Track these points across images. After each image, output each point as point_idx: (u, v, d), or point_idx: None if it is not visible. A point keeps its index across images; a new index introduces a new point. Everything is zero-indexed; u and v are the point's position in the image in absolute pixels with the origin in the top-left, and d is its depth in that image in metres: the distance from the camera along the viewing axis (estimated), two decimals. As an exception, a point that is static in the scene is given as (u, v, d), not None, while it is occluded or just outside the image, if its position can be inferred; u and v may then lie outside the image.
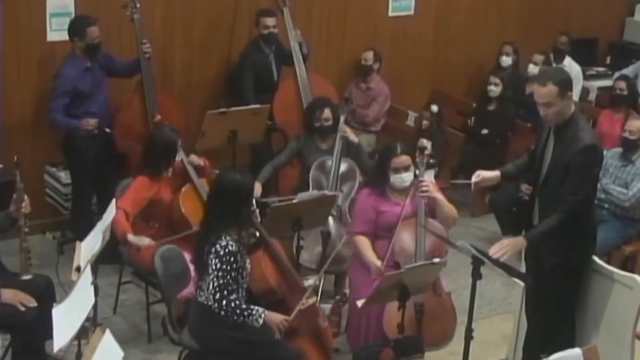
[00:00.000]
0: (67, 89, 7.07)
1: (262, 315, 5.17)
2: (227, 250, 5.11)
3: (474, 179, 5.74)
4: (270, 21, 8.01)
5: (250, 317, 5.15)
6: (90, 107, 7.19)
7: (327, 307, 6.33)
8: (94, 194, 7.48)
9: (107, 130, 7.24)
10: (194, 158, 6.64)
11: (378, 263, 5.66)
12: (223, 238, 5.14)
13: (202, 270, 5.23)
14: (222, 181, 5.36)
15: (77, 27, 7.17)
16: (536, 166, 5.57)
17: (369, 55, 8.82)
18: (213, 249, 5.13)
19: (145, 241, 6.09)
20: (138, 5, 7.29)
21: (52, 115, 7.11)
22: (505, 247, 5.38)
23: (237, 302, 5.14)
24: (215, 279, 5.13)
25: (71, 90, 7.08)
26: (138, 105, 7.43)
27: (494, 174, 5.76)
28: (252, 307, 5.18)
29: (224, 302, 5.12)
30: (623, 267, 6.75)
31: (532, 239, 5.42)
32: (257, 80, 8.04)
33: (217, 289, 5.12)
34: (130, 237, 6.06)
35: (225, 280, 5.12)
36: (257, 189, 6.86)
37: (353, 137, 7.25)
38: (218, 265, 5.11)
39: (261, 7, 8.17)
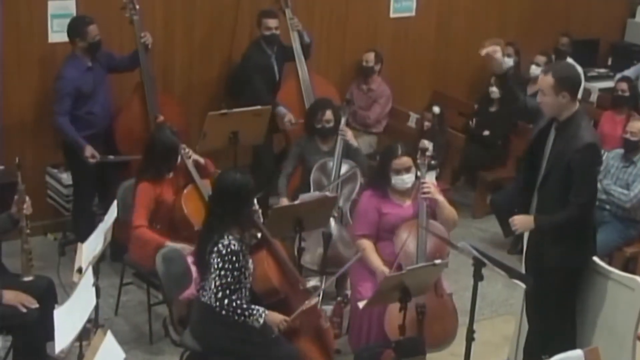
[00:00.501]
0: (70, 91, 7.06)
1: (263, 315, 5.18)
2: (229, 249, 5.12)
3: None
4: (272, 22, 8.00)
5: (251, 317, 5.16)
6: (92, 107, 7.18)
7: (328, 308, 6.33)
8: (95, 194, 7.49)
9: (111, 157, 7.20)
10: (193, 155, 6.62)
11: (385, 269, 5.66)
12: (225, 237, 5.15)
13: (204, 270, 5.24)
14: (223, 181, 5.37)
15: (77, 28, 7.17)
16: (535, 164, 5.57)
17: (370, 56, 8.82)
18: (215, 249, 5.14)
19: (186, 249, 5.96)
20: (137, 7, 7.30)
21: (58, 120, 7.07)
22: (516, 225, 5.58)
23: (239, 302, 5.15)
24: (217, 278, 5.14)
25: (74, 92, 7.07)
26: (138, 107, 7.43)
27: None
28: (253, 306, 5.19)
29: (226, 302, 5.13)
30: (624, 269, 6.75)
31: (540, 223, 5.46)
32: (259, 80, 8.05)
33: (219, 288, 5.13)
34: (171, 245, 6.03)
35: (227, 280, 5.13)
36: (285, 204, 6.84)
37: (353, 140, 7.26)
38: (220, 265, 5.12)
39: (262, 8, 8.17)
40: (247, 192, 5.31)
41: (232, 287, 5.15)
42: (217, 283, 5.14)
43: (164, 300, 6.01)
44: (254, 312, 5.18)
